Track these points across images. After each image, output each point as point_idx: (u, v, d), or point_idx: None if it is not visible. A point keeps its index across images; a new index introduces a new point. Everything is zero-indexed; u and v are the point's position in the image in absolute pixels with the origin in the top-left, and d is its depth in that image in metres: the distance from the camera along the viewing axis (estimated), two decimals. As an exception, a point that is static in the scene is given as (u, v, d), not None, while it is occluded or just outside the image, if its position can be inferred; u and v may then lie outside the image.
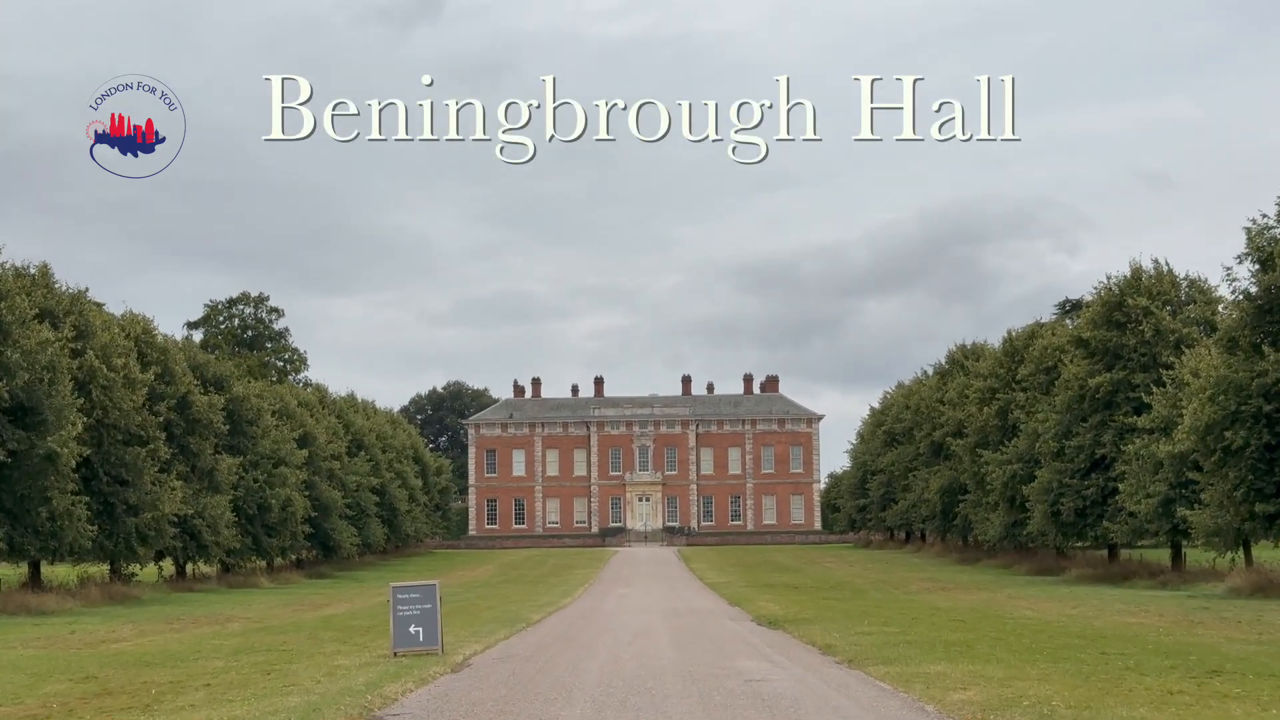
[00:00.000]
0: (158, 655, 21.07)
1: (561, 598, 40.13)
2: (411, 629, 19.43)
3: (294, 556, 69.50)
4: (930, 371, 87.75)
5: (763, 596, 38.23)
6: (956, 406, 70.29)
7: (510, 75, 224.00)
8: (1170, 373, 43.82)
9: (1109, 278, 50.69)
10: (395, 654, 19.61)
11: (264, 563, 64.59)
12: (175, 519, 45.46)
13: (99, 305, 50.46)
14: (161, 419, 46.68)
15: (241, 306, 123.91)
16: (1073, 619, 27.48)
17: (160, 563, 52.66)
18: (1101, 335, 49.56)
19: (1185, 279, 50.46)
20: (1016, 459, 55.49)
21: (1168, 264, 50.48)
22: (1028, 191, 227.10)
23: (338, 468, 71.93)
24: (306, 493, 63.82)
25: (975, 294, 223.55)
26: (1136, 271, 50.12)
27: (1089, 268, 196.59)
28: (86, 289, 43.28)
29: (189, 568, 55.69)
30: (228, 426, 54.85)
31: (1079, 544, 57.02)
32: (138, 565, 51.64)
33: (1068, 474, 49.60)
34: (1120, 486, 45.32)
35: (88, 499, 39.69)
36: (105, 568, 48.44)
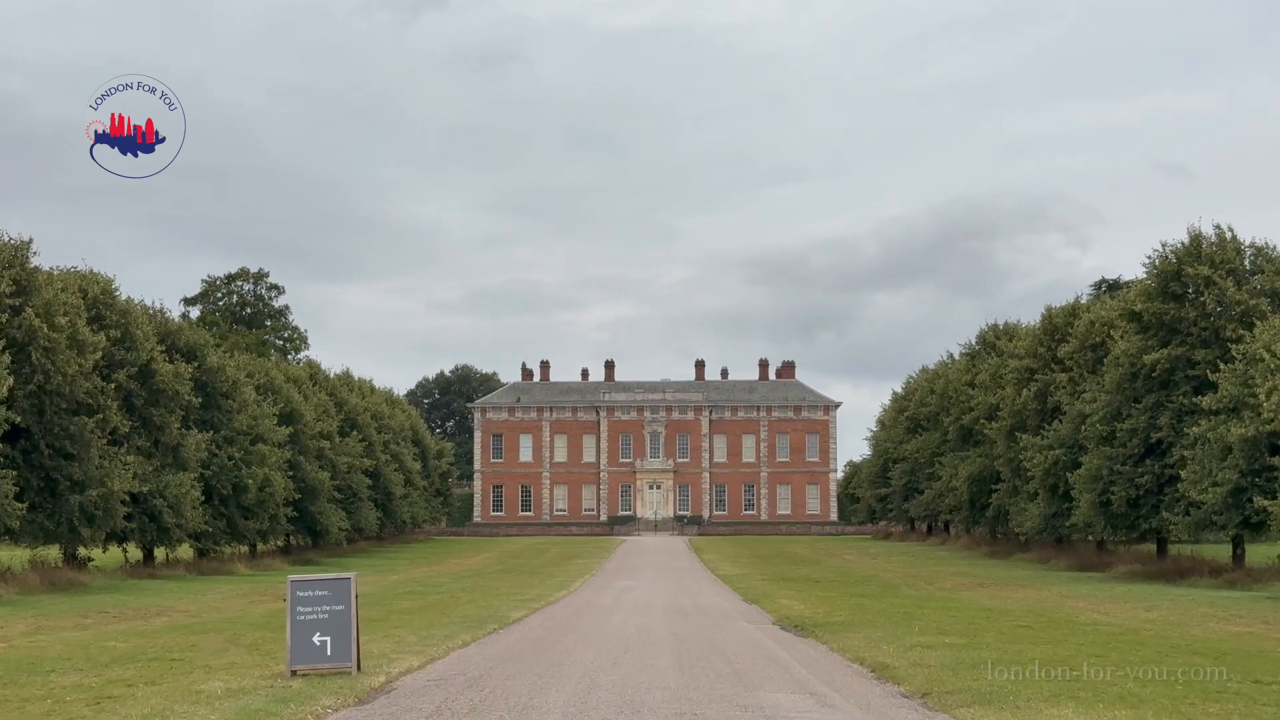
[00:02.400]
0: (12, 664, 16.55)
1: (555, 591, 35.55)
2: (316, 639, 14.50)
3: (278, 542, 65.23)
4: (956, 354, 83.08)
5: (783, 592, 33.58)
6: (989, 390, 65.59)
7: (517, 64, 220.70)
8: (1240, 347, 39.15)
9: (1164, 245, 45.76)
10: (293, 673, 14.96)
11: (244, 548, 60.32)
12: (128, 497, 40.98)
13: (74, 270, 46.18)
14: (116, 387, 42.20)
15: (240, 283, 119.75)
16: (1161, 626, 22.83)
17: (124, 546, 48.21)
18: (1157, 308, 44.79)
19: (1250, 246, 45.58)
20: (1059, 444, 50.74)
21: (1230, 230, 45.65)
22: (1039, 186, 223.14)
23: (327, 447, 67.49)
24: (290, 473, 59.42)
25: (985, 288, 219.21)
26: (1196, 238, 45.23)
27: (1100, 262, 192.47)
28: (30, 240, 38.66)
29: (162, 552, 51.49)
30: (200, 399, 50.45)
31: (1122, 538, 52.21)
32: (97, 549, 47.67)
33: (1119, 460, 44.82)
34: (1182, 474, 40.56)
35: (20, 473, 35.21)
36: (57, 552, 44.05)
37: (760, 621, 24.47)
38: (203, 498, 48.94)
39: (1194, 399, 42.22)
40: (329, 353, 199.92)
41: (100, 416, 39.12)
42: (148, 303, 51.93)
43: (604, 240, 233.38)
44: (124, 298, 46.43)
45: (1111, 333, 48.30)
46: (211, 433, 51.03)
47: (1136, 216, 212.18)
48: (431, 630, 21.24)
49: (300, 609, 14.68)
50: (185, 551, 54.52)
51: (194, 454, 47.48)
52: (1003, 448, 59.72)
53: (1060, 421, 51.76)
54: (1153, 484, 44.13)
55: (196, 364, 50.14)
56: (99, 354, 40.51)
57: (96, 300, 44.35)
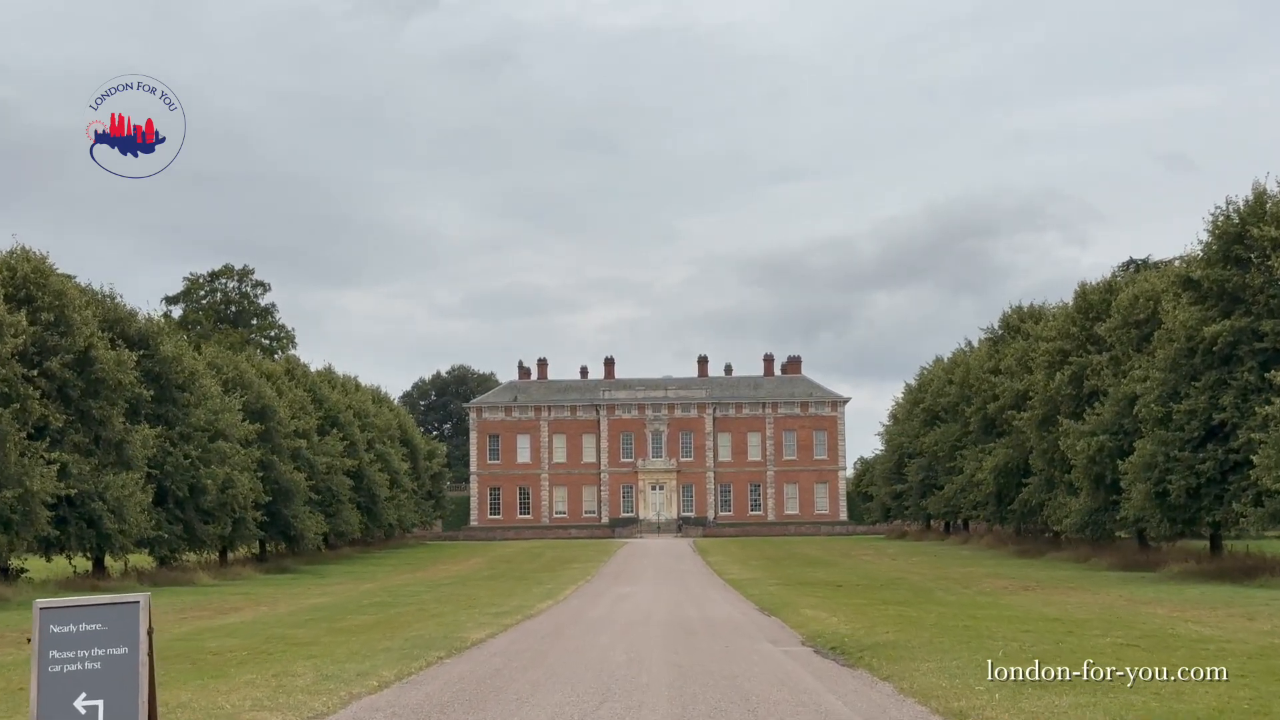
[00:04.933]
0: None
1: (539, 601, 30.62)
2: (80, 704, 8.92)
3: (251, 548, 60.43)
4: (975, 342, 78.21)
5: (804, 600, 28.61)
6: (1016, 376, 60.68)
7: (511, 66, 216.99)
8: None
9: (1227, 203, 40.77)
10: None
11: (212, 555, 55.52)
12: (56, 499, 36.08)
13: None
14: (45, 375, 37.36)
15: (224, 280, 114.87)
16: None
17: (69, 555, 43.15)
18: (1217, 274, 39.80)
19: (1322, 203, 40.57)
20: (1102, 430, 45.77)
21: (1299, 185, 40.63)
22: (1038, 183, 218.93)
23: (304, 446, 62.64)
24: (260, 473, 54.61)
25: (984, 287, 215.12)
26: (1260, 195, 40.23)
27: (1098, 260, 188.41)
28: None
29: (118, 562, 46.67)
30: (152, 392, 45.62)
31: (1179, 533, 47.17)
32: (36, 558, 42.96)
33: (1176, 445, 39.80)
34: (1254, 459, 35.58)
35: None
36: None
37: (786, 641, 19.33)
38: (154, 500, 44.19)
39: (1262, 375, 37.40)
40: (331, 358, 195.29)
41: (17, 405, 34.19)
42: (96, 287, 47.36)
43: (603, 242, 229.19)
44: (58, 278, 41.45)
45: (1161, 305, 43.40)
46: (165, 428, 46.19)
47: (1135, 214, 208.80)
48: (347, 664, 16.17)
49: (55, 654, 9.16)
50: (144, 560, 49.70)
51: (141, 451, 42.58)
52: (1035, 437, 54.78)
53: (1101, 404, 46.89)
54: (1215, 471, 39.14)
55: (143, 352, 45.25)
56: (22, 338, 35.71)
57: (26, 280, 39.53)
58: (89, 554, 43.37)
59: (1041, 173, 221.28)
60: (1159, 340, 42.17)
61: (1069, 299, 56.70)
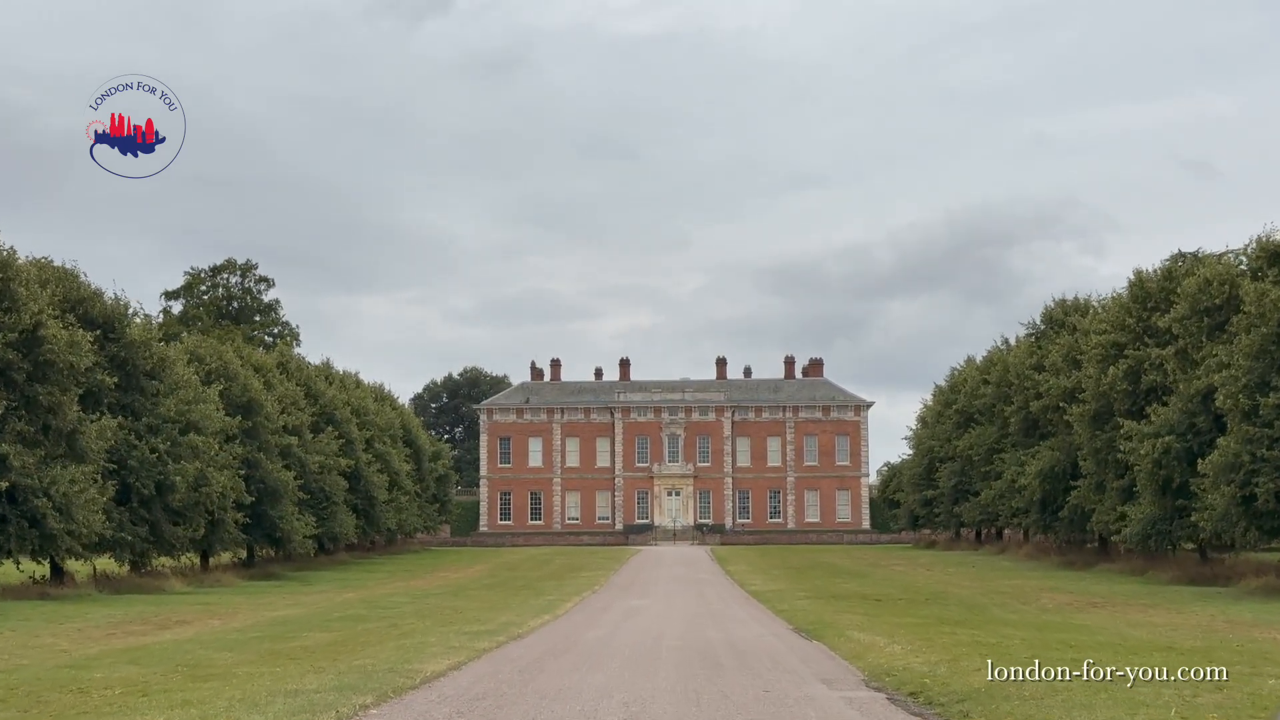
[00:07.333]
0: None
1: (533, 617, 26.04)
2: None
3: (238, 553, 56.10)
4: (1013, 340, 73.52)
5: (846, 619, 23.97)
6: (1062, 373, 55.94)
7: (525, 71, 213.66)
8: None
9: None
10: None
11: (193, 560, 51.32)
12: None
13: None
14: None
15: (226, 275, 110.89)
16: None
17: (17, 558, 38.64)
18: (1308, 250, 35.24)
19: None
20: (1168, 430, 41.02)
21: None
22: (1054, 192, 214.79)
23: (295, 444, 58.26)
24: (244, 471, 50.24)
25: (1000, 296, 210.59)
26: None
27: (1116, 269, 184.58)
28: None
29: (83, 567, 42.51)
30: (116, 379, 41.28)
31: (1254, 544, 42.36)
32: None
33: (1265, 443, 35.03)
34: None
35: None
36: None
37: (844, 681, 14.42)
38: (116, 498, 39.78)
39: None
40: (346, 364, 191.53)
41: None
42: (57, 262, 43.04)
43: (618, 249, 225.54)
44: (5, 249, 37.05)
45: (1241, 287, 38.69)
46: (129, 419, 41.80)
47: (1153, 222, 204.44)
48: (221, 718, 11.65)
49: None
50: (115, 565, 45.35)
51: (97, 443, 38.13)
52: (1086, 437, 50.01)
53: (1165, 404, 42.19)
54: (1309, 474, 34.37)
55: (108, 335, 40.91)
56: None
57: (-34, 250, 35.23)
58: (36, 557, 38.86)
59: (1059, 181, 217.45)
60: (1239, 325, 37.47)
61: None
